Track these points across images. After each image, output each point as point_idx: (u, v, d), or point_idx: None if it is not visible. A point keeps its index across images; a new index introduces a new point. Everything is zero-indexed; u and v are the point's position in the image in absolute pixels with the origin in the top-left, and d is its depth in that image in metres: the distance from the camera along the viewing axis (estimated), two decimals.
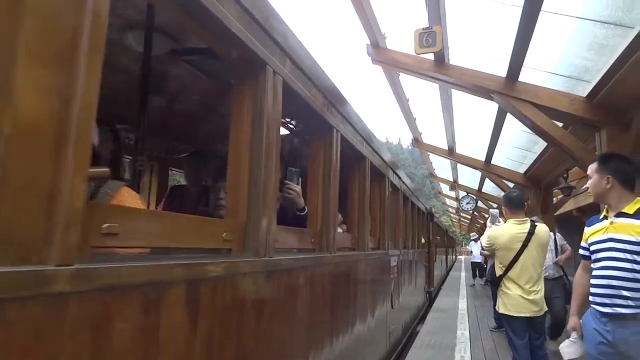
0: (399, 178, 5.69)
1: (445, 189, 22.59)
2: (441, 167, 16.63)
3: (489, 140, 9.96)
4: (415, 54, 5.24)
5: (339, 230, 3.23)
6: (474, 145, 11.28)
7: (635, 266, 2.26)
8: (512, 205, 3.61)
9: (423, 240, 8.92)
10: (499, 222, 3.89)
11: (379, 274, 4.18)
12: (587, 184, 2.54)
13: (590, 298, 2.47)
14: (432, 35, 4.76)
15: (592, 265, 2.52)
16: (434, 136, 11.88)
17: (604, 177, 2.44)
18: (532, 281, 3.45)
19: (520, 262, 3.45)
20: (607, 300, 2.34)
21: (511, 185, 12.95)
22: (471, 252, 14.75)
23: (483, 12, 5.65)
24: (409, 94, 9.14)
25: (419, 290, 8.48)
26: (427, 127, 11.63)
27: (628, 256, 2.28)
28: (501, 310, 3.55)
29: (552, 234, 4.89)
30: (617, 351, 2.26)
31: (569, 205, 15.20)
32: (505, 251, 3.50)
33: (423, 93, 8.91)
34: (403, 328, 5.97)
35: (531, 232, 3.46)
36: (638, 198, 2.39)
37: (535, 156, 9.59)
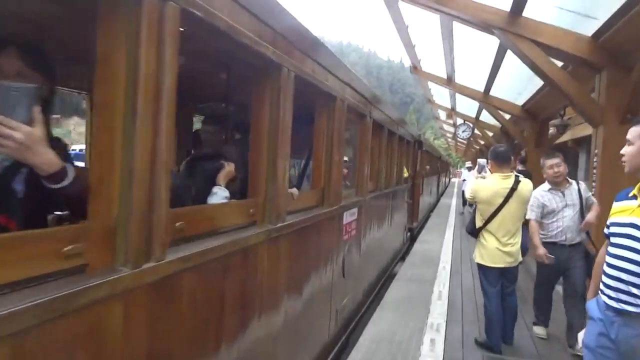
0: (382, 112, 4.96)
1: (443, 115, 22.33)
2: (439, 93, 16.25)
3: (489, 71, 9.63)
4: None
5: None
6: (473, 75, 10.93)
7: None
8: (499, 160, 3.60)
9: (407, 174, 7.97)
10: (486, 171, 3.90)
11: (318, 241, 3.05)
12: (625, 151, 2.02)
13: (600, 285, 2.15)
14: None
15: (608, 249, 2.15)
16: (433, 64, 11.46)
17: None
18: (509, 234, 3.55)
19: (499, 216, 3.52)
20: (613, 294, 2.02)
21: (508, 117, 12.80)
22: (464, 180, 14.97)
23: None
24: (408, 20, 8.63)
25: (398, 231, 7.46)
26: (427, 54, 11.17)
27: None
28: (477, 260, 3.71)
29: (576, 183, 3.97)
30: (618, 349, 2.01)
31: (565, 137, 15.16)
32: (487, 205, 3.56)
33: (423, 20, 8.42)
34: (365, 292, 4.89)
35: (514, 188, 3.49)
36: None
37: (534, 89, 9.35)
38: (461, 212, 14.60)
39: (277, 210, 2.26)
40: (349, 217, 3.76)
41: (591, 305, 2.22)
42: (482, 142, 23.16)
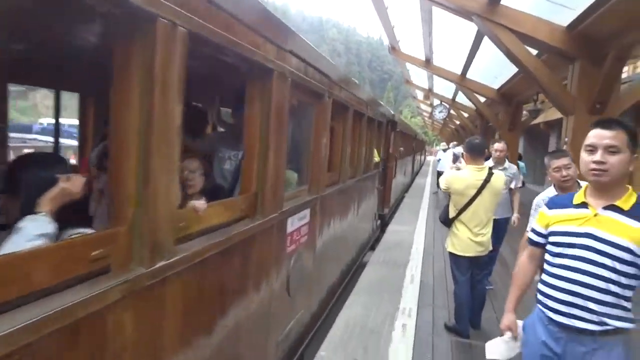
0: (347, 91, 4.21)
1: (420, 95, 22.43)
2: (417, 74, 16.28)
3: (466, 54, 9.69)
4: None
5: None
6: (451, 58, 10.98)
7: (613, 276, 1.75)
8: (473, 152, 3.65)
9: (378, 158, 7.34)
10: (460, 161, 3.96)
11: (244, 264, 2.30)
12: (605, 159, 1.72)
13: (540, 297, 1.97)
14: None
15: (548, 259, 1.96)
16: (412, 45, 11.43)
17: (631, 156, 1.74)
18: (481, 225, 3.65)
19: (472, 207, 3.61)
20: (564, 309, 1.84)
21: (483, 100, 12.96)
22: (439, 160, 15.17)
23: None
24: (388, 2, 8.54)
25: (366, 221, 6.81)
26: (406, 35, 11.12)
27: (609, 262, 1.75)
28: (449, 249, 3.81)
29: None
30: None
31: (538, 119, 15.49)
32: (460, 196, 3.63)
33: (403, 2, 8.34)
34: (322, 301, 4.20)
35: (487, 180, 3.57)
36: (629, 187, 1.80)
37: (510, 74, 9.48)
38: (434, 192, 14.85)
39: (154, 240, 1.48)
40: (296, 222, 3.04)
41: (528, 323, 2.06)
42: (458, 122, 23.50)
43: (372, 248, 7.26)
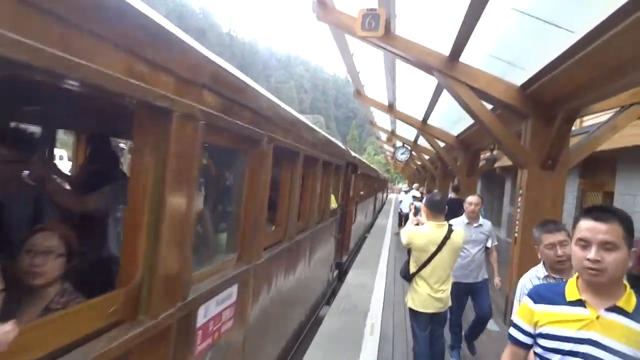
0: (296, 134, 3.61)
1: (384, 136, 23.00)
2: (381, 115, 16.74)
3: (428, 101, 10.06)
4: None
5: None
6: (413, 104, 11.37)
7: None
8: (434, 209, 3.71)
9: (334, 205, 6.76)
10: (421, 215, 4.00)
11: None
12: (601, 256, 1.52)
13: None
14: (375, 18, 4.48)
15: None
16: (376, 90, 11.78)
17: (629, 252, 1.53)
18: (441, 281, 3.67)
19: (432, 264, 3.63)
20: None
21: (442, 145, 13.43)
22: (400, 201, 15.44)
23: None
24: (354, 49, 8.81)
25: (320, 275, 6.08)
26: (370, 80, 11.46)
27: None
28: (409, 304, 3.79)
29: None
30: None
31: (497, 155, 16.13)
32: (421, 252, 3.65)
33: (368, 50, 8.63)
34: None
35: (447, 237, 3.62)
36: (626, 284, 1.59)
37: (468, 123, 9.90)
38: (396, 233, 14.98)
39: None
40: (213, 308, 2.29)
41: None
42: (419, 163, 24.20)
43: (329, 303, 6.70)
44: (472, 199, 4.63)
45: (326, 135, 5.64)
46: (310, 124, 4.55)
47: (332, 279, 7.46)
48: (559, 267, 2.45)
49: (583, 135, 7.36)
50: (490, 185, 20.92)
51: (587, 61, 4.05)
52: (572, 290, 1.64)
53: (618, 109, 6.01)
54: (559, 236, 2.45)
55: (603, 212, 1.60)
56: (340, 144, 7.34)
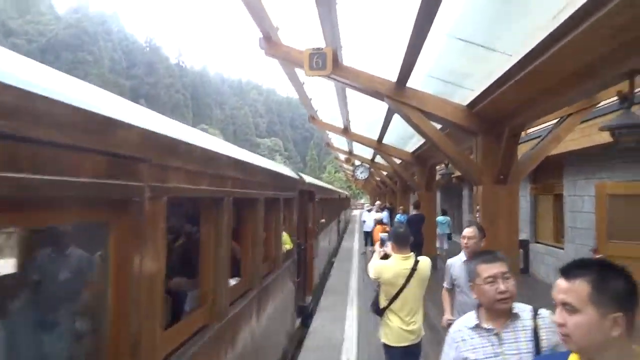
0: (223, 177, 2.89)
1: (342, 156, 23.24)
2: (338, 137, 16.97)
3: (381, 122, 10.26)
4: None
5: None
6: (367, 125, 11.58)
7: None
8: (399, 242, 3.71)
9: (289, 246, 5.77)
10: (387, 246, 3.99)
11: None
12: (564, 320, 1.31)
13: None
14: (322, 57, 4.53)
15: None
16: (330, 113, 11.93)
17: (607, 316, 1.24)
18: (412, 313, 3.66)
19: (402, 296, 3.61)
20: None
21: (398, 162, 13.70)
22: (364, 221, 15.53)
23: (374, 13, 5.53)
24: (304, 78, 8.89)
25: (277, 329, 5.11)
26: (323, 105, 11.59)
27: None
28: (382, 339, 3.75)
29: (531, 312, 3.23)
30: None
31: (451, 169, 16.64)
32: (390, 286, 3.63)
33: (318, 79, 8.73)
34: None
35: (414, 269, 3.62)
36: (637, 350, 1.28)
37: (422, 140, 10.15)
38: (362, 252, 14.99)
39: None
40: None
41: None
42: (378, 179, 24.61)
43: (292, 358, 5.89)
44: (466, 231, 3.77)
45: (268, 166, 4.63)
46: (241, 156, 3.48)
47: (294, 330, 6.46)
48: (500, 308, 1.97)
49: (530, 143, 7.72)
50: (448, 196, 21.55)
51: (525, 82, 4.23)
52: None
53: (558, 119, 6.34)
54: (500, 267, 2.02)
55: (572, 267, 1.37)
56: (290, 172, 6.40)
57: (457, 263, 3.78)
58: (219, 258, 2.81)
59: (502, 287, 1.96)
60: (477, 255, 2.21)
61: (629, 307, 1.24)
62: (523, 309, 2.02)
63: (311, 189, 8.03)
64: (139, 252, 1.74)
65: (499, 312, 1.97)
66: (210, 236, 2.80)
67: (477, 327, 2.01)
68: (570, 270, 1.35)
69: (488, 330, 1.97)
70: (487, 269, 2.02)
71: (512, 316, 1.94)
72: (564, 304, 1.32)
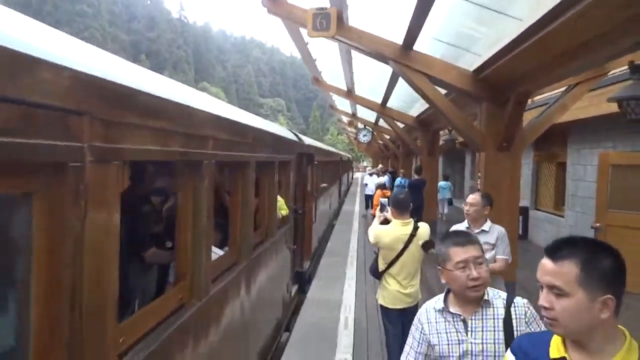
0: (208, 139, 2.58)
1: (345, 119, 23.03)
2: (341, 99, 16.76)
3: (386, 84, 10.11)
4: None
5: None
6: (371, 88, 11.41)
7: None
8: (399, 207, 3.75)
9: (284, 212, 5.30)
10: (387, 210, 4.04)
11: None
12: (551, 303, 1.22)
13: None
14: (326, 17, 4.39)
15: None
16: (334, 75, 11.72)
17: (596, 299, 1.18)
18: (410, 276, 3.75)
19: (401, 261, 3.69)
20: None
21: (402, 126, 13.59)
22: (366, 184, 15.60)
23: None
24: (308, 37, 8.68)
25: (271, 304, 4.80)
26: (327, 66, 11.37)
27: None
28: (380, 301, 3.86)
29: (501, 301, 2.09)
30: None
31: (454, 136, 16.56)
32: (389, 250, 3.70)
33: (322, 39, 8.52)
34: None
35: (413, 234, 3.67)
36: (626, 334, 1.23)
37: (427, 104, 10.03)
38: (363, 215, 15.15)
39: None
40: None
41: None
42: (381, 142, 24.50)
43: (289, 328, 5.67)
44: (469, 198, 3.71)
45: (262, 126, 4.22)
46: (228, 114, 3.08)
47: (290, 299, 6.19)
48: (471, 295, 1.82)
49: (536, 111, 7.63)
50: (451, 161, 21.50)
51: (535, 48, 4.13)
52: (556, 346, 1.29)
53: (565, 88, 6.23)
54: (473, 251, 1.83)
55: (558, 246, 1.28)
56: (287, 133, 6.05)
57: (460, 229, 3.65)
58: (197, 229, 2.46)
59: (474, 273, 1.78)
60: (448, 236, 1.98)
61: (617, 288, 1.19)
62: (496, 296, 1.87)
63: (310, 151, 7.71)
64: (75, 231, 1.35)
65: (469, 299, 1.83)
66: (188, 205, 2.44)
67: (443, 310, 1.89)
68: (556, 251, 1.25)
69: (454, 315, 1.85)
70: (459, 253, 1.83)
71: (483, 303, 1.82)
72: (551, 287, 1.23)
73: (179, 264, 2.49)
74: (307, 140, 7.95)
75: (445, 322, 1.87)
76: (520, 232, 10.55)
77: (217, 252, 3.11)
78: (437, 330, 1.87)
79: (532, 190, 11.46)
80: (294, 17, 5.72)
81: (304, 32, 7.93)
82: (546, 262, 1.27)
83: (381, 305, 3.86)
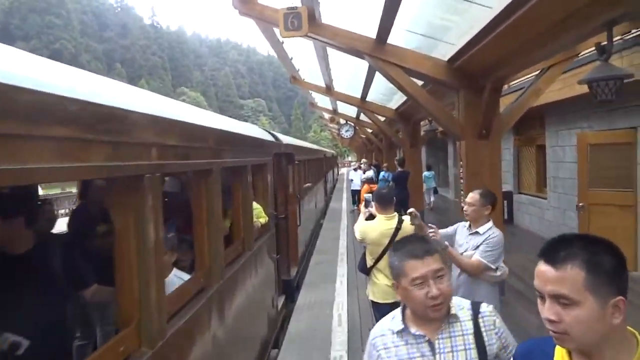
0: (150, 145, 2.14)
1: (327, 115, 23.02)
2: (321, 96, 16.73)
3: (364, 79, 10.12)
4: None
5: None
6: (350, 83, 11.41)
7: None
8: (382, 202, 3.76)
9: (264, 219, 4.89)
10: (371, 206, 4.04)
11: None
12: (558, 315, 1.05)
13: None
14: (297, 17, 4.36)
15: None
16: (312, 73, 11.68)
17: (607, 303, 1.03)
18: None
19: (387, 255, 3.68)
20: None
21: (382, 119, 13.63)
22: (351, 180, 15.63)
23: None
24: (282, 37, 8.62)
25: (254, 324, 4.40)
26: (304, 64, 11.33)
27: None
28: (370, 297, 3.87)
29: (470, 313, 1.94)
30: None
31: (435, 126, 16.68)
32: (375, 246, 3.71)
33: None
34: None
35: (398, 228, 3.68)
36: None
37: (405, 96, 10.08)
38: (352, 210, 15.18)
39: None
40: None
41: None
42: (364, 136, 24.58)
43: (276, 345, 5.21)
44: (468, 197, 3.36)
45: (228, 128, 3.75)
46: (178, 115, 2.61)
47: (277, 312, 5.72)
48: (432, 315, 1.54)
49: (513, 95, 7.73)
50: (434, 150, 21.70)
51: (506, 34, 4.17)
52: (562, 356, 1.16)
53: (539, 71, 6.31)
54: (432, 263, 1.54)
55: (557, 249, 1.09)
56: (262, 133, 5.62)
57: (462, 230, 3.43)
58: (143, 258, 2.00)
59: (434, 291, 1.49)
60: (403, 245, 1.63)
61: (624, 286, 1.05)
62: (460, 306, 1.62)
63: (289, 150, 7.27)
64: None
65: (431, 317, 1.55)
66: (128, 229, 1.98)
67: (403, 331, 1.59)
68: (555, 254, 1.08)
69: (417, 337, 1.57)
70: (416, 267, 1.51)
71: (449, 318, 1.57)
72: (557, 297, 1.05)
73: (121, 307, 2.02)
74: (286, 139, 7.63)
75: (406, 346, 1.57)
76: (506, 216, 10.71)
77: (181, 278, 2.78)
78: (397, 356, 1.57)
79: (515, 175, 11.62)
80: (266, 18, 5.67)
81: (277, 31, 7.89)
82: (546, 269, 1.08)
83: (372, 301, 3.87)
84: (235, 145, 3.83)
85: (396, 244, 1.68)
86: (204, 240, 3.00)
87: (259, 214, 4.78)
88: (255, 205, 4.68)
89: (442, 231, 3.47)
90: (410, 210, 3.47)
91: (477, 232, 3.26)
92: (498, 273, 3.17)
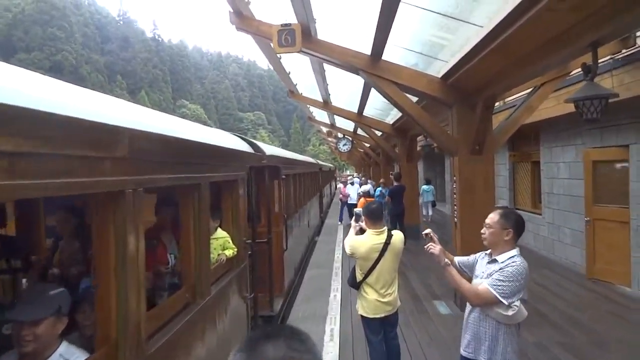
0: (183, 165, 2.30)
1: (325, 129, 23.12)
2: (319, 110, 16.83)
3: (360, 94, 10.21)
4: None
5: None
6: (347, 97, 11.51)
7: None
8: (372, 217, 3.77)
9: (231, 252, 4.02)
10: (362, 220, 4.05)
11: None
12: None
13: None
14: (291, 34, 4.44)
15: None
16: (310, 87, 11.79)
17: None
18: (387, 285, 3.76)
19: (377, 270, 3.70)
20: None
21: (379, 134, 13.72)
22: (348, 195, 15.62)
23: None
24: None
25: None
26: (302, 79, 11.44)
27: None
28: (360, 312, 3.86)
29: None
30: None
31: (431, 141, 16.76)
32: (365, 260, 3.71)
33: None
34: None
35: (387, 242, 3.70)
36: None
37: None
38: (348, 225, 15.12)
39: None
40: None
41: None
42: (362, 150, 24.66)
43: None
44: (488, 217, 2.77)
45: (184, 135, 2.89)
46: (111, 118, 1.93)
47: None
48: None
49: (509, 112, 7.80)
50: (431, 164, 21.78)
51: (497, 53, 4.25)
52: None
53: (531, 89, 6.39)
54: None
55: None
56: (236, 142, 4.65)
57: (482, 259, 2.87)
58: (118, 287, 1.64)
59: None
60: (257, 342, 0.88)
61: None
62: None
63: (274, 163, 6.18)
64: None
65: None
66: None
67: None
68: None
69: None
70: None
71: None
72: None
73: None
74: (270, 150, 6.36)
75: None
76: None
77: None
78: None
79: (510, 190, 11.65)
80: (262, 33, 5.76)
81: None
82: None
83: (362, 316, 3.86)
84: (179, 155, 2.71)
85: (248, 340, 0.91)
86: (111, 302, 1.94)
87: (225, 244, 4.01)
88: (220, 233, 4.04)
89: (460, 259, 3.03)
90: (427, 231, 2.98)
91: (495, 260, 2.67)
92: (509, 312, 2.52)
